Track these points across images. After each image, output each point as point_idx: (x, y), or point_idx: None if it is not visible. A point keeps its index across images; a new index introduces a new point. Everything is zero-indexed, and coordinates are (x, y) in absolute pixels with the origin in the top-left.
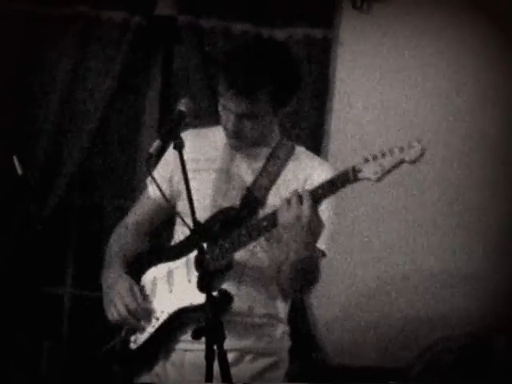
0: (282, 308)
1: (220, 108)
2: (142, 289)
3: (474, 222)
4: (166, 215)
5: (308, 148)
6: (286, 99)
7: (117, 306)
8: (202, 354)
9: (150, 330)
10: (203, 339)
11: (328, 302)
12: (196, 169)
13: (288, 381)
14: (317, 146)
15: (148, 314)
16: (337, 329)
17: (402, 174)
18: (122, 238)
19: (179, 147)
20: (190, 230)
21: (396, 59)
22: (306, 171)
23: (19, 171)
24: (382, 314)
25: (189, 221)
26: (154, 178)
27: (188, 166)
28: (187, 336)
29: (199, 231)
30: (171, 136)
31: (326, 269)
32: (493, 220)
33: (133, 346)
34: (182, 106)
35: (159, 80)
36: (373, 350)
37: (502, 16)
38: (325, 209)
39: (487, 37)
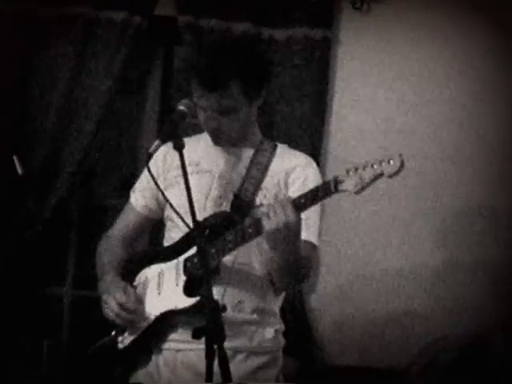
0: (273, 303)
1: (197, 109)
2: (135, 289)
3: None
4: (150, 225)
5: (308, 148)
6: (258, 89)
7: (110, 304)
8: (193, 354)
9: (138, 331)
10: (190, 338)
11: (328, 301)
12: (179, 174)
13: (287, 381)
14: (317, 147)
15: (141, 312)
16: (336, 329)
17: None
18: (110, 248)
19: (179, 147)
20: (190, 228)
21: (395, 59)
22: (288, 165)
23: (19, 171)
24: (381, 314)
25: (181, 223)
26: (154, 178)
27: (174, 173)
28: (178, 336)
29: (198, 231)
30: (171, 136)
31: (324, 267)
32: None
33: (120, 346)
34: (182, 106)
35: (159, 80)
36: (372, 350)
37: (501, 16)
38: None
39: (487, 37)
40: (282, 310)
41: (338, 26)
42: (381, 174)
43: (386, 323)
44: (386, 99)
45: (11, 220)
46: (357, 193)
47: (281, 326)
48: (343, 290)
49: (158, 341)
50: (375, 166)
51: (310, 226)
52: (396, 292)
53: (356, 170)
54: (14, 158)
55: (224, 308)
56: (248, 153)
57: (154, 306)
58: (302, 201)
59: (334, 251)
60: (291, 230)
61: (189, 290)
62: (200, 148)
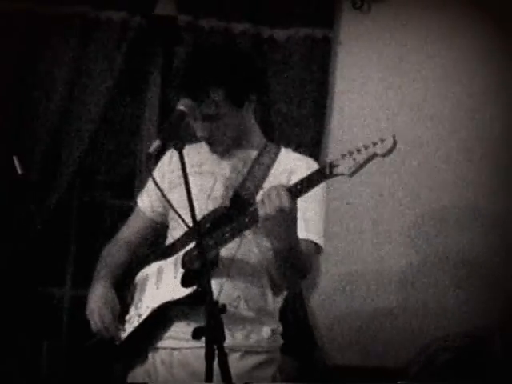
0: (272, 303)
1: (187, 118)
2: (135, 287)
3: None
4: (157, 230)
5: (308, 148)
6: (245, 95)
7: (94, 317)
8: (189, 353)
9: (135, 324)
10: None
11: (327, 301)
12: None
13: (287, 381)
14: (317, 146)
15: (118, 331)
16: (336, 329)
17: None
18: (113, 253)
19: (179, 148)
20: (189, 227)
21: (395, 59)
22: (291, 167)
23: (19, 171)
24: (381, 313)
25: (182, 223)
26: (154, 178)
27: (178, 174)
28: (174, 333)
29: (198, 229)
30: (171, 136)
31: (323, 266)
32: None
33: (117, 340)
34: (182, 106)
35: (159, 80)
36: (372, 349)
37: (502, 16)
38: (315, 201)
39: (487, 37)
40: (283, 309)
41: (338, 25)
42: (375, 155)
43: (386, 323)
44: (386, 99)
45: (11, 220)
46: (351, 175)
47: (278, 327)
48: (343, 290)
49: (155, 334)
50: (369, 148)
51: (311, 225)
52: (396, 291)
53: (350, 153)
54: (14, 158)
55: (224, 308)
56: (251, 155)
57: (153, 300)
58: (298, 187)
59: (333, 251)
60: (286, 216)
61: (186, 282)
62: (204, 152)
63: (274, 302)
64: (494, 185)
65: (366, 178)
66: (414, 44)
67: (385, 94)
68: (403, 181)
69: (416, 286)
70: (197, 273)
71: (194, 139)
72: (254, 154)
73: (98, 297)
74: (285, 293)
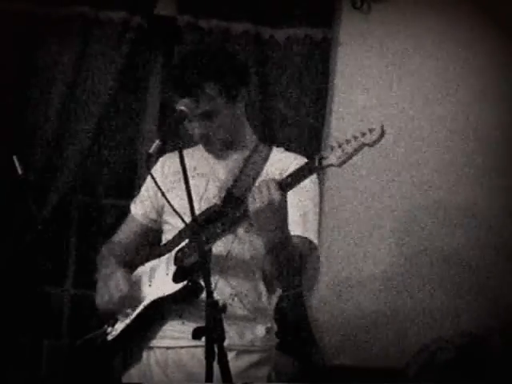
0: (266, 301)
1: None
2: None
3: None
4: (149, 236)
5: (308, 148)
6: (237, 89)
7: (111, 291)
8: (184, 352)
9: (127, 321)
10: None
11: (327, 301)
12: (176, 180)
13: (285, 380)
14: (316, 147)
15: (136, 301)
16: (335, 329)
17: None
18: (113, 253)
19: (179, 147)
20: (186, 224)
21: (395, 59)
22: (283, 165)
23: (19, 171)
24: (380, 314)
25: (178, 224)
26: (153, 178)
27: (171, 179)
28: (169, 331)
29: (195, 225)
30: (171, 136)
31: (322, 266)
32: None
33: (110, 337)
34: (182, 105)
35: (159, 80)
36: (371, 349)
37: (502, 16)
38: (310, 199)
39: (487, 37)
40: (282, 309)
41: (338, 26)
42: (363, 144)
43: (385, 323)
44: (386, 99)
45: (11, 220)
46: (340, 165)
47: (273, 325)
48: (342, 290)
49: (148, 331)
50: (358, 138)
51: (306, 222)
52: (395, 291)
53: (339, 145)
54: (14, 158)
55: (224, 307)
56: (243, 155)
57: (145, 297)
58: (288, 180)
59: (332, 251)
60: (276, 209)
61: (177, 277)
62: (197, 155)
63: (269, 301)
64: (488, 183)
65: (363, 178)
66: (414, 44)
67: (385, 94)
68: (401, 181)
69: (416, 287)
70: (189, 269)
71: (188, 144)
72: (245, 153)
73: (113, 276)
74: (279, 291)
